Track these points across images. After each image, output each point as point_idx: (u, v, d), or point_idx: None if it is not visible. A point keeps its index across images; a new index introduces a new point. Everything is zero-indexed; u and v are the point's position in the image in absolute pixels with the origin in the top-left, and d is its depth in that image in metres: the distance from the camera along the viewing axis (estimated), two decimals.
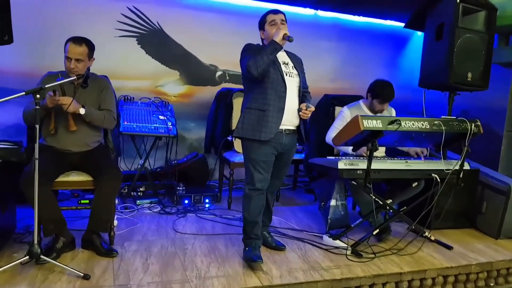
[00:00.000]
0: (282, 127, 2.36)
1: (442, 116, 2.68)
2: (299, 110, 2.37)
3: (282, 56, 2.43)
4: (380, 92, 2.98)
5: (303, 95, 2.49)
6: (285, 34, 2.27)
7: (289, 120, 2.39)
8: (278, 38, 2.25)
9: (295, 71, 2.44)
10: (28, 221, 2.72)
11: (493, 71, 3.36)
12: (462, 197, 3.19)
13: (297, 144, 2.60)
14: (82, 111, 2.37)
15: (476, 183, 3.29)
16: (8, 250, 2.37)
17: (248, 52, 2.36)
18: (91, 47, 2.47)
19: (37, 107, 2.00)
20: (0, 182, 2.23)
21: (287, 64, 2.44)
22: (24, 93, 1.98)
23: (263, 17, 2.47)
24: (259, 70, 2.22)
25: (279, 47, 2.27)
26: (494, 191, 3.17)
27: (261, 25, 2.47)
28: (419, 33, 4.37)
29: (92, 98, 2.50)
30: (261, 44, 2.51)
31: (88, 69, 2.38)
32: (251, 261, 2.34)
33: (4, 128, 3.41)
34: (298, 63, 2.52)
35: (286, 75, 2.37)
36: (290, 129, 2.42)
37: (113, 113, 2.60)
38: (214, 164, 3.93)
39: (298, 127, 2.47)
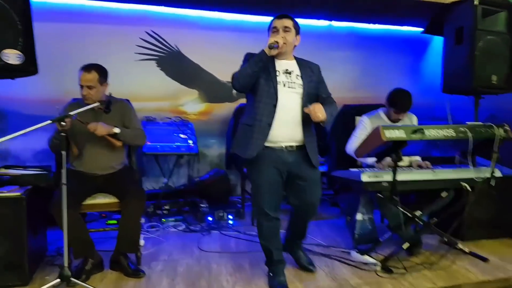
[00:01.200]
0: (281, 144, 2.18)
1: (468, 122, 2.60)
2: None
3: (285, 65, 2.23)
4: (396, 102, 2.92)
5: (321, 103, 2.20)
6: (273, 42, 2.05)
7: (287, 135, 2.18)
8: (266, 47, 2.07)
9: (298, 81, 2.20)
10: (59, 243, 2.78)
11: None
12: (496, 205, 3.05)
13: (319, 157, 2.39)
14: (116, 130, 2.44)
15: (510, 190, 3.15)
16: (41, 273, 2.44)
17: (243, 63, 2.21)
18: (101, 73, 2.51)
19: (63, 134, 2.06)
20: (31, 206, 2.29)
21: (290, 73, 2.21)
22: (50, 121, 2.05)
23: (270, 23, 2.28)
24: (240, 82, 2.08)
25: (264, 57, 2.06)
26: None
27: (268, 31, 2.29)
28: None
29: (115, 121, 2.55)
30: None
31: (110, 94, 2.44)
32: None
33: (34, 154, 3.55)
34: (309, 71, 2.27)
35: (285, 85, 2.17)
36: (293, 146, 2.20)
37: (142, 130, 2.67)
38: (236, 180, 3.93)
39: (304, 144, 2.22)
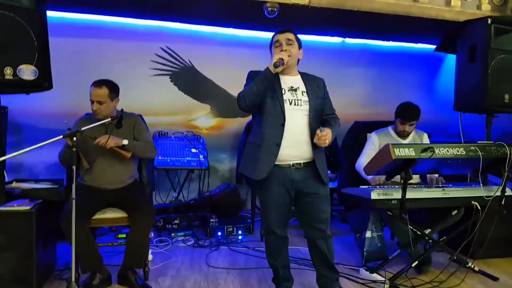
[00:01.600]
0: (288, 162, 2.12)
1: (479, 141, 2.58)
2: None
3: (290, 81, 2.18)
4: (401, 112, 2.93)
5: (326, 120, 2.22)
6: (278, 59, 2.01)
7: (294, 154, 2.12)
8: (271, 65, 2.02)
9: (304, 98, 2.15)
10: (68, 257, 2.79)
11: None
12: (507, 224, 2.99)
13: (328, 172, 2.31)
14: (125, 141, 2.47)
15: None
16: (49, 286, 2.47)
17: (248, 81, 2.18)
18: (112, 88, 2.55)
19: (74, 149, 2.10)
20: (41, 220, 2.34)
21: (295, 90, 2.16)
22: (61, 136, 2.09)
23: (271, 39, 2.24)
24: (247, 102, 2.03)
25: (270, 75, 2.03)
26: None
27: (270, 48, 2.25)
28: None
29: (126, 136, 2.58)
30: None
31: (122, 110, 2.48)
32: None
33: (47, 167, 3.63)
34: (314, 87, 2.22)
35: (291, 103, 2.12)
36: (300, 163, 2.14)
37: (153, 143, 2.70)
38: (246, 195, 3.93)
39: (313, 160, 2.16)
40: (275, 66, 2.01)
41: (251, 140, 2.21)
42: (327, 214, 2.22)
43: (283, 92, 2.13)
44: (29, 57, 2.31)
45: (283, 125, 2.08)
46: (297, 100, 2.14)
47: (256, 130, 2.18)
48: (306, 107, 2.15)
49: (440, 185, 2.78)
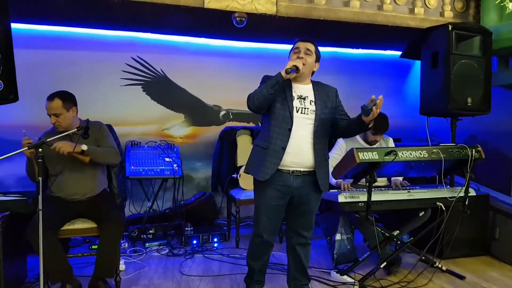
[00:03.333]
0: (288, 168, 2.17)
1: (441, 144, 2.68)
2: (366, 108, 2.03)
3: (300, 89, 2.23)
4: (374, 124, 2.99)
5: (343, 120, 2.28)
6: (291, 66, 2.07)
7: (296, 161, 2.17)
8: (283, 70, 2.08)
9: (312, 107, 2.20)
10: (39, 270, 2.77)
11: (497, 94, 3.36)
12: (473, 224, 3.11)
13: None
14: (84, 147, 2.41)
15: (487, 209, 3.20)
16: None
17: (261, 85, 2.20)
18: (65, 99, 2.49)
19: (40, 160, 2.08)
20: (8, 232, 2.31)
21: (304, 99, 2.21)
22: (26, 148, 2.09)
23: (293, 44, 2.29)
24: (256, 103, 2.10)
25: (281, 80, 2.07)
26: (507, 216, 3.08)
27: (290, 53, 2.29)
28: None
29: (91, 144, 2.55)
30: None
31: (87, 120, 2.48)
32: None
33: (18, 179, 3.56)
34: (324, 96, 2.26)
35: (298, 111, 2.17)
36: (300, 171, 2.19)
37: (115, 148, 2.66)
38: (221, 202, 3.95)
39: (313, 169, 2.20)
40: (287, 72, 2.07)
41: (258, 143, 2.26)
42: (312, 223, 2.33)
43: (292, 99, 2.19)
44: None
45: (290, 130, 2.15)
46: (304, 108, 2.19)
47: (264, 134, 2.23)
48: (312, 116, 2.20)
49: (405, 187, 2.86)
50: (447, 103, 3.17)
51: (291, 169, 2.17)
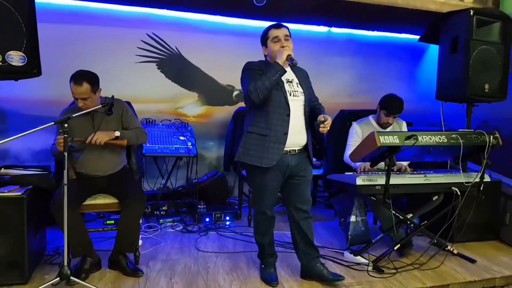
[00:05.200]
0: (286, 148, 2.25)
1: (460, 129, 2.69)
2: (317, 124, 2.18)
3: (286, 74, 2.26)
4: (387, 104, 3.00)
5: (315, 106, 2.36)
6: (288, 55, 2.13)
7: (294, 142, 2.27)
8: (281, 60, 2.13)
9: (299, 89, 2.30)
10: (58, 243, 2.84)
11: (510, 81, 3.34)
12: (484, 209, 3.14)
13: (314, 160, 2.52)
14: (117, 133, 2.47)
15: (498, 195, 3.24)
16: (40, 271, 2.49)
17: (249, 73, 2.24)
18: (92, 82, 2.45)
19: (65, 135, 2.12)
20: (31, 206, 2.34)
21: (291, 82, 2.30)
22: (53, 123, 2.11)
23: (265, 32, 2.31)
24: (260, 96, 2.12)
25: (281, 71, 2.14)
26: None
27: (264, 41, 2.32)
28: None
29: (114, 122, 2.58)
30: (264, 60, 2.37)
31: (113, 97, 2.48)
32: (266, 282, 2.39)
33: (33, 154, 3.59)
34: (303, 78, 2.37)
35: (290, 95, 2.24)
36: (295, 150, 2.31)
37: (143, 128, 2.70)
38: (233, 182, 3.99)
39: (306, 145, 2.34)
40: (287, 60, 2.13)
41: (253, 130, 2.27)
42: (309, 195, 2.43)
43: (283, 85, 2.25)
44: (17, 43, 2.30)
45: (288, 115, 2.22)
46: (295, 91, 2.28)
47: (261, 120, 2.24)
48: (302, 97, 2.30)
49: (413, 172, 2.90)
50: (465, 88, 3.16)
51: (288, 149, 2.27)
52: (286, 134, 2.21)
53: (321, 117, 2.16)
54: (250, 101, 2.18)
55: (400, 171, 3.00)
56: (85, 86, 2.41)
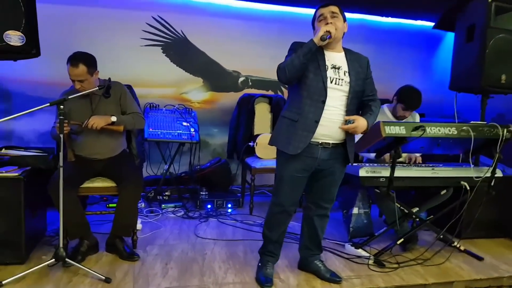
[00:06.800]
0: (317, 139, 2.07)
1: (472, 122, 2.56)
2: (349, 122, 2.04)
3: (335, 58, 2.09)
4: (406, 99, 2.87)
5: (367, 104, 2.17)
6: (325, 32, 1.93)
7: (327, 133, 2.08)
8: (316, 38, 1.94)
9: (346, 78, 2.07)
10: (58, 224, 2.83)
11: None
12: (495, 206, 3.02)
13: None
14: (113, 118, 2.43)
15: (511, 191, 3.10)
16: (38, 252, 2.50)
17: (290, 53, 2.08)
18: (89, 63, 2.40)
19: (61, 117, 2.09)
20: (30, 187, 2.34)
21: (338, 68, 2.08)
22: (48, 104, 2.08)
23: (314, 14, 2.14)
24: (288, 74, 1.96)
25: (314, 48, 1.95)
26: None
27: (313, 24, 2.15)
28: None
29: (113, 105, 2.54)
30: None
31: (109, 79, 2.43)
32: (259, 283, 2.22)
33: (38, 135, 3.61)
34: (357, 66, 2.13)
35: (332, 82, 2.04)
36: (330, 143, 2.10)
37: (140, 113, 2.65)
38: (236, 169, 3.94)
39: (344, 141, 2.13)
40: (322, 39, 1.94)
41: (286, 115, 2.13)
42: (334, 195, 2.29)
43: (326, 69, 2.06)
44: (16, 23, 2.27)
45: (323, 102, 2.03)
46: (339, 79, 2.07)
47: (294, 105, 2.10)
48: (346, 88, 2.08)
49: (422, 164, 2.79)
50: (480, 79, 3.03)
51: (320, 141, 2.08)
52: (317, 122, 2.03)
53: (345, 118, 2.05)
54: (279, 79, 2.02)
55: (410, 162, 2.90)
56: (81, 67, 2.36)
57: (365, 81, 2.17)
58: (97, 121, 2.36)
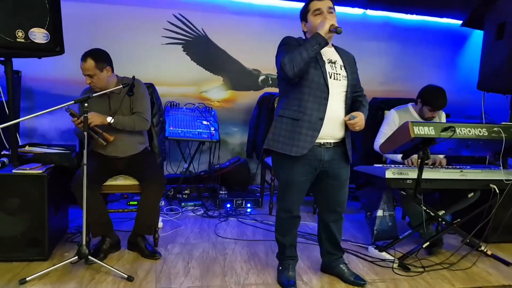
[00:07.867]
0: (320, 140, 2.00)
1: (503, 122, 2.47)
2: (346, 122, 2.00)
3: (329, 53, 2.05)
4: (431, 100, 2.78)
5: (357, 99, 2.12)
6: (332, 25, 1.86)
7: (330, 132, 2.01)
8: (323, 31, 1.85)
9: (343, 72, 2.03)
10: (80, 222, 2.84)
11: None
12: None
13: None
14: (109, 119, 2.38)
15: None
16: (61, 249, 2.51)
17: (286, 46, 1.98)
18: (97, 58, 2.38)
19: (85, 115, 2.09)
20: (53, 184, 2.35)
21: (334, 63, 2.03)
22: (73, 102, 2.08)
23: (305, 6, 2.07)
24: (295, 69, 1.85)
25: (323, 42, 1.86)
26: None
27: (303, 16, 2.08)
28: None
29: (128, 103, 2.52)
30: (303, 37, 2.12)
31: (133, 77, 2.42)
32: (283, 286, 2.16)
33: (60, 133, 3.64)
34: (349, 62, 2.10)
35: (331, 77, 1.98)
36: (331, 143, 2.05)
37: (144, 114, 2.53)
38: (256, 169, 3.91)
39: (343, 140, 2.08)
40: (331, 30, 1.86)
41: (286, 114, 2.02)
42: (346, 197, 2.21)
43: (324, 64, 2.00)
44: (40, 21, 2.27)
45: (326, 99, 1.96)
46: (337, 74, 2.01)
47: (293, 103, 2.00)
48: (344, 82, 2.03)
49: (448, 167, 2.70)
50: (510, 79, 2.92)
51: (322, 141, 2.02)
52: (322, 119, 1.95)
53: (347, 117, 1.98)
54: (283, 75, 1.90)
55: (434, 164, 2.82)
56: (89, 62, 2.36)
57: (354, 75, 2.13)
58: (93, 118, 2.32)
